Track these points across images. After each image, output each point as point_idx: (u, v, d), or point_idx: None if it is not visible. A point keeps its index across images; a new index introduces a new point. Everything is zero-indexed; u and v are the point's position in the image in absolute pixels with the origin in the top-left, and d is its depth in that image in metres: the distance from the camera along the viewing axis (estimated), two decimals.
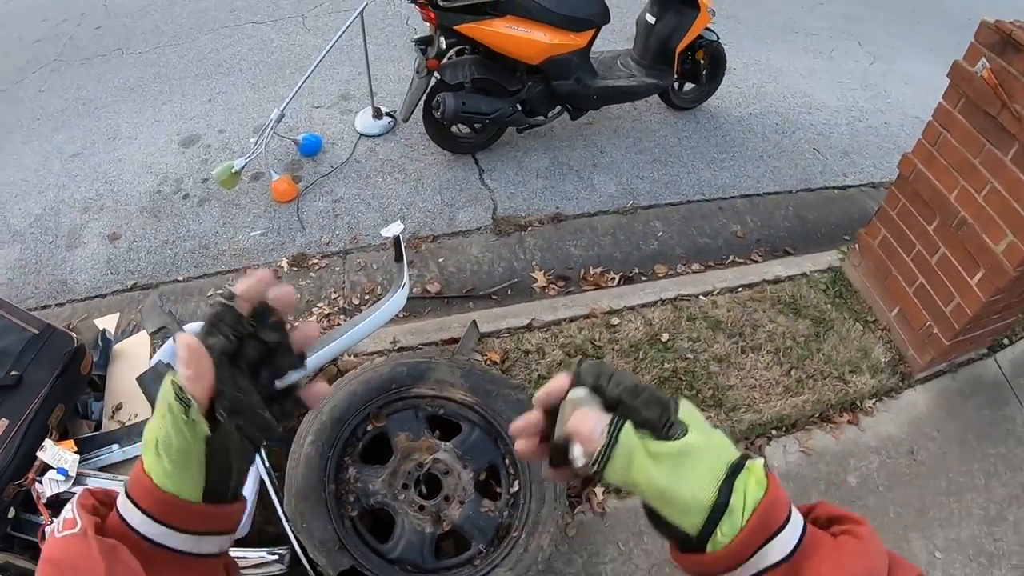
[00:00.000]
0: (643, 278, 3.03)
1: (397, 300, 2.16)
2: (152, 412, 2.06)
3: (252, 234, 3.30)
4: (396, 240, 2.36)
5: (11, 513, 2.00)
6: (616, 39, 4.24)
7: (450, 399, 1.97)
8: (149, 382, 2.21)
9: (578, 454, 0.46)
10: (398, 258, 2.30)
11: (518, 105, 3.25)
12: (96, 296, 3.24)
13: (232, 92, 4.09)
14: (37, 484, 2.00)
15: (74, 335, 2.14)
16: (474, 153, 3.53)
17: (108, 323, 2.54)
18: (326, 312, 2.96)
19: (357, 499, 1.89)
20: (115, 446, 2.14)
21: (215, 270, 3.20)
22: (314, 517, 1.81)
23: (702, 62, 3.56)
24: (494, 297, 2.94)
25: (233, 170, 3.18)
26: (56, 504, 2.01)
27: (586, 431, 0.45)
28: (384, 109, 3.72)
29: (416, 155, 3.57)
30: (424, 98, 3.18)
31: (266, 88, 4.07)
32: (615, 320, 2.64)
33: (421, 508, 1.87)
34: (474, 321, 2.56)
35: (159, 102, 4.11)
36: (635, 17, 3.52)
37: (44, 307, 3.27)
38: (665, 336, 2.59)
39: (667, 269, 3.06)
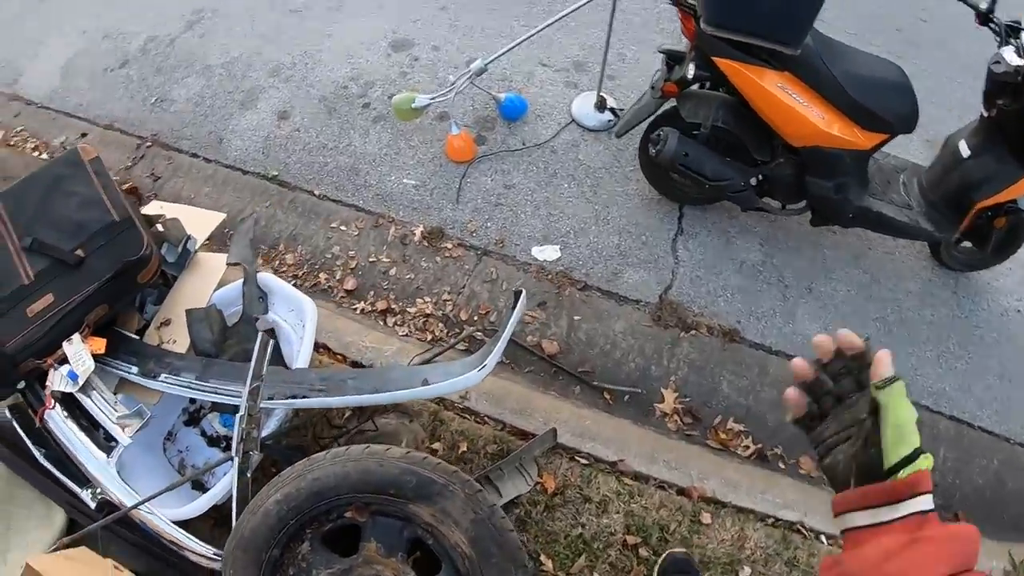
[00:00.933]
0: (780, 465, 2.41)
1: (467, 380, 1.87)
2: (188, 351, 1.93)
3: (405, 181, 3.08)
4: (517, 294, 1.99)
5: (21, 384, 2.03)
6: (912, 141, 3.19)
7: (445, 536, 1.64)
8: (196, 321, 2.15)
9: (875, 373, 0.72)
10: (511, 309, 1.93)
11: (754, 179, 2.62)
12: (238, 169, 3.25)
13: (469, 7, 3.80)
14: (52, 370, 2.00)
15: (145, 240, 2.05)
16: (682, 206, 2.95)
17: (208, 224, 2.45)
18: (427, 311, 2.69)
19: None
20: (135, 368, 2.07)
21: (351, 202, 3.05)
22: (243, 572, 1.66)
23: (997, 229, 2.62)
24: (606, 395, 2.49)
25: (413, 105, 2.92)
26: (62, 399, 2.00)
27: (885, 361, 0.73)
28: (611, 103, 3.23)
29: (618, 175, 3.08)
30: (649, 122, 2.64)
31: (505, 18, 3.72)
32: (707, 516, 2.14)
33: None
34: (554, 430, 2.17)
35: None
36: (949, 129, 2.64)
37: (194, 155, 3.33)
38: (746, 572, 2.05)
39: (813, 468, 2.41)
